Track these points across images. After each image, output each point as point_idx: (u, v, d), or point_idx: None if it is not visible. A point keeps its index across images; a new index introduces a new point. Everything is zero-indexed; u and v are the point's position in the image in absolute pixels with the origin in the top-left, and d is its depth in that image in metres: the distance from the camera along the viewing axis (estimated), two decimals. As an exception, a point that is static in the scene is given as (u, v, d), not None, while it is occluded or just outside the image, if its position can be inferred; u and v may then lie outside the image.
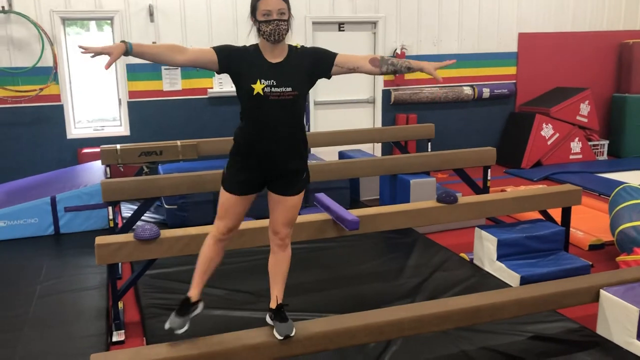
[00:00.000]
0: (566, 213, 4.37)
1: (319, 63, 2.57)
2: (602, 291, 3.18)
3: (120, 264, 4.14)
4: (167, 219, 5.34)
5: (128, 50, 2.38)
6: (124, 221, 4.53)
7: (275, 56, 2.49)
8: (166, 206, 5.29)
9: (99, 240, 3.24)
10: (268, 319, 2.68)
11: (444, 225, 5.16)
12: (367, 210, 3.87)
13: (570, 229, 4.50)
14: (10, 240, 4.90)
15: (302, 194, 2.64)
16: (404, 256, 4.46)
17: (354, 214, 3.60)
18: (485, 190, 5.22)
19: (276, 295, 2.65)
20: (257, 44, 2.54)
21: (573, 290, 3.16)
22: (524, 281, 3.82)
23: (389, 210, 3.88)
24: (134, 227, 4.03)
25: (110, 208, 4.28)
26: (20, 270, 4.26)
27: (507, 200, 4.20)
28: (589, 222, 5.20)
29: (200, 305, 2.62)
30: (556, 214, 4.43)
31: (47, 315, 3.53)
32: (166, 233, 3.32)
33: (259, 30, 2.47)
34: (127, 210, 5.64)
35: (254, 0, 2.46)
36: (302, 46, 2.60)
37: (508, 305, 2.99)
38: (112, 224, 4.30)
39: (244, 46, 2.55)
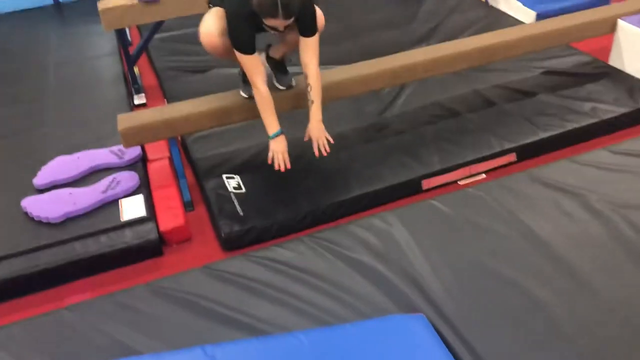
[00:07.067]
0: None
1: None
2: (619, 21, 3.11)
3: (128, 30, 4.08)
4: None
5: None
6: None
7: None
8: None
9: (102, 4, 3.13)
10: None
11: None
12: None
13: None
14: (9, 13, 4.79)
15: None
16: (417, 1, 4.31)
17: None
18: None
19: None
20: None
21: (589, 23, 3.09)
22: (540, 18, 3.73)
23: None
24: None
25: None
26: (28, 42, 4.24)
27: None
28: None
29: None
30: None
31: (67, 83, 3.59)
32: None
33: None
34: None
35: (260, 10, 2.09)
36: None
37: (522, 42, 2.95)
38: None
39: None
